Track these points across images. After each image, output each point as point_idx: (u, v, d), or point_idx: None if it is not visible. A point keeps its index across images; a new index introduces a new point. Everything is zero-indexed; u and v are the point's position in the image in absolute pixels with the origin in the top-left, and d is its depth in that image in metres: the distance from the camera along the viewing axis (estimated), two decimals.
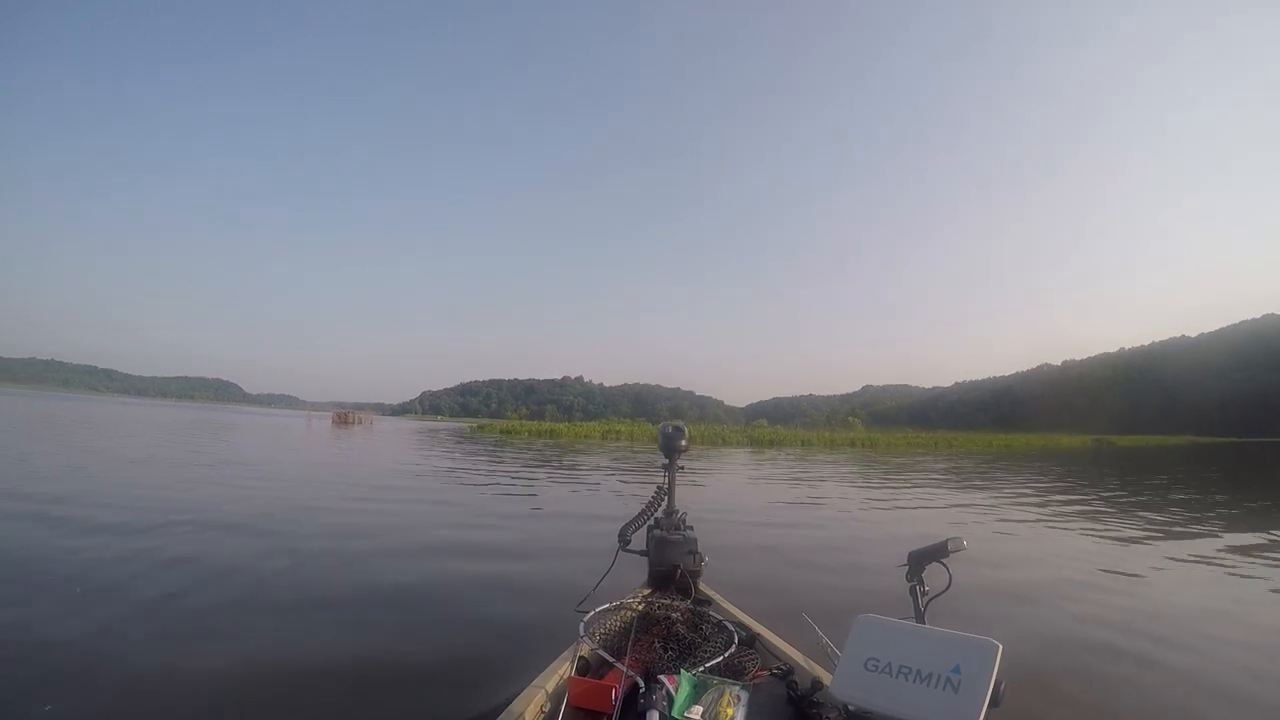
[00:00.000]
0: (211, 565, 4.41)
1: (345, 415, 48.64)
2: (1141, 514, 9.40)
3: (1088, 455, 35.98)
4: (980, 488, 13.44)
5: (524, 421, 56.00)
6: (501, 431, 41.06)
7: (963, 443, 46.41)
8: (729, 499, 10.27)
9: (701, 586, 2.65)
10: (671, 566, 2.64)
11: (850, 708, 0.97)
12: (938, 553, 1.61)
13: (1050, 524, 8.33)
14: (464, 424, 64.77)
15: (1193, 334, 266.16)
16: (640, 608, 2.23)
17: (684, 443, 2.99)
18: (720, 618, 2.17)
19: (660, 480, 2.95)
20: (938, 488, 13.16)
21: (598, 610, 2.20)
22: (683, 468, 3.01)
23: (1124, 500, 11.72)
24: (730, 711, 1.52)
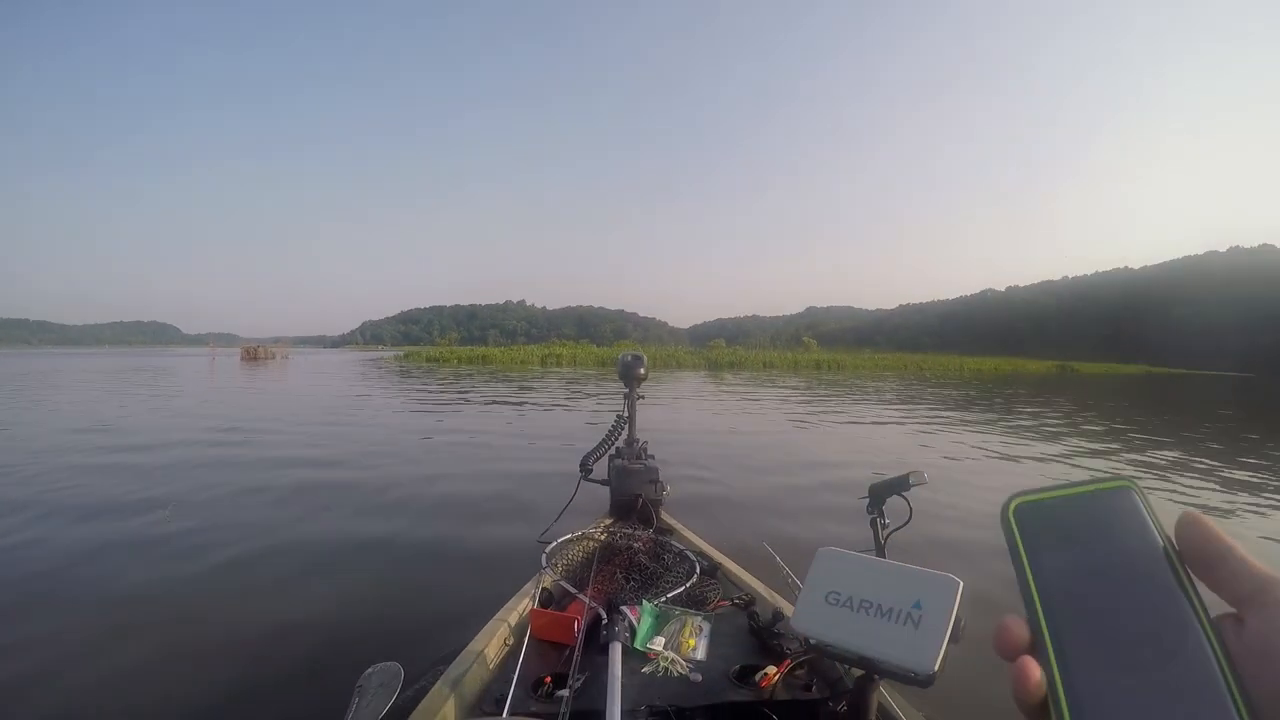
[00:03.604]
0: None
1: (254, 350, 45.24)
2: None
3: (1056, 381, 36.43)
4: (1039, 425, 11.49)
5: (454, 348, 53.44)
6: (428, 360, 38.83)
7: (931, 365, 46.86)
8: (692, 426, 10.25)
9: (663, 516, 2.68)
10: (633, 496, 2.66)
11: (811, 640, 0.95)
12: (898, 486, 1.60)
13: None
14: (391, 353, 61.17)
15: (1135, 266, 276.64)
16: (603, 538, 2.23)
17: (643, 371, 2.99)
18: (682, 547, 2.19)
19: (620, 409, 2.95)
20: (979, 421, 11.68)
21: (560, 541, 2.19)
22: (642, 396, 3.00)
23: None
24: (692, 642, 1.54)
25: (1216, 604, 0.30)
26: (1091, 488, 0.35)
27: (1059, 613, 0.32)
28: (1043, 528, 0.34)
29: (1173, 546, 0.32)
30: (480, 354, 41.50)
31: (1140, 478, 6.27)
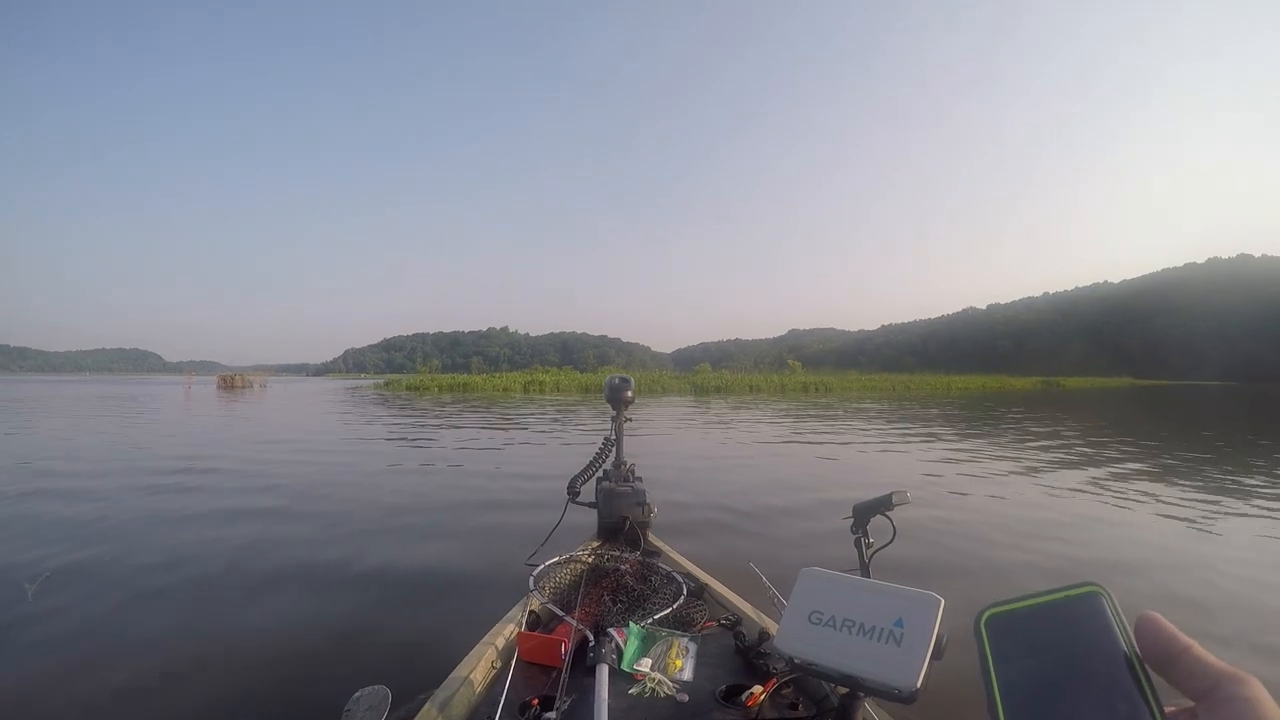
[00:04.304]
0: None
1: (231, 379, 44.90)
2: None
3: (1044, 396, 36.06)
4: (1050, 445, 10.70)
5: (435, 375, 53.30)
6: (407, 388, 38.56)
7: (919, 385, 46.60)
8: (680, 449, 10.22)
9: (650, 538, 2.68)
10: (620, 518, 2.66)
11: (795, 660, 0.97)
12: (882, 505, 1.62)
13: None
14: (370, 381, 60.62)
15: (1115, 280, 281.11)
16: (590, 560, 2.24)
17: (630, 394, 2.99)
18: (669, 569, 2.20)
19: (608, 431, 2.95)
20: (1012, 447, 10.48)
21: (547, 564, 2.20)
22: (630, 419, 3.01)
23: None
24: (679, 663, 1.55)
25: (1179, 698, 0.31)
26: (1061, 595, 0.36)
27: (1019, 718, 0.33)
28: (1011, 637, 0.36)
29: (1134, 648, 0.33)
30: (461, 381, 41.14)
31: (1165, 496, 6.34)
